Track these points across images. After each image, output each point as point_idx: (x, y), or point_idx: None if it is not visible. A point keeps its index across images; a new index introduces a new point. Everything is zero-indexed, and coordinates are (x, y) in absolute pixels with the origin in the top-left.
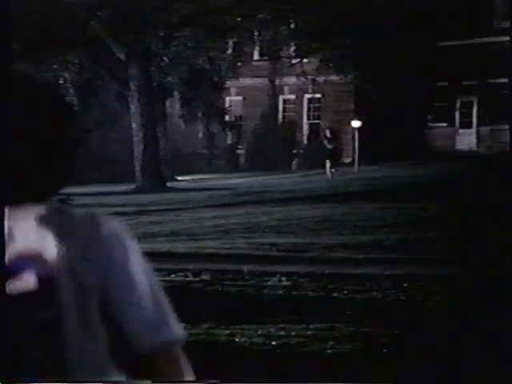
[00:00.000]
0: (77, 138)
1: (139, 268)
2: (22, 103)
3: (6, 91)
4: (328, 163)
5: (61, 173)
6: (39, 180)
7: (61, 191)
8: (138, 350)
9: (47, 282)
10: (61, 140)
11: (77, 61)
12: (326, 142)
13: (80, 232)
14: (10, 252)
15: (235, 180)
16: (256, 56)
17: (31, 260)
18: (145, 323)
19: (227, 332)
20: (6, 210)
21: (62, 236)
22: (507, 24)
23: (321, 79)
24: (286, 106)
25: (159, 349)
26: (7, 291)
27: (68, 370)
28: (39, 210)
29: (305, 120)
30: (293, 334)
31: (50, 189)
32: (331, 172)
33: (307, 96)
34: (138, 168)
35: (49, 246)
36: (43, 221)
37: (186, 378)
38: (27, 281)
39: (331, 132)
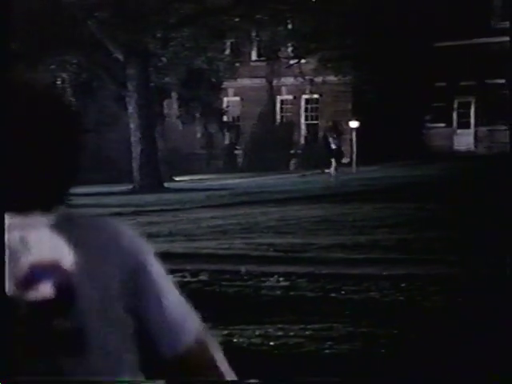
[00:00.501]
0: (81, 144)
1: (161, 273)
2: (25, 110)
3: (9, 100)
4: (333, 162)
5: (67, 180)
6: (46, 188)
7: (67, 197)
8: (167, 354)
9: (65, 290)
10: (66, 147)
11: (75, 61)
12: (331, 140)
13: (98, 240)
14: (26, 262)
15: (233, 180)
16: (254, 56)
17: (48, 269)
18: (174, 325)
19: (225, 332)
20: (16, 219)
21: (77, 244)
22: (505, 24)
23: (318, 80)
24: (284, 106)
25: (188, 351)
26: (25, 301)
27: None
28: (49, 218)
29: (302, 120)
30: (291, 334)
31: (57, 196)
32: (336, 171)
33: (305, 96)
34: (135, 168)
35: (65, 255)
36: (55, 229)
37: (218, 358)
38: (45, 290)
39: (337, 130)
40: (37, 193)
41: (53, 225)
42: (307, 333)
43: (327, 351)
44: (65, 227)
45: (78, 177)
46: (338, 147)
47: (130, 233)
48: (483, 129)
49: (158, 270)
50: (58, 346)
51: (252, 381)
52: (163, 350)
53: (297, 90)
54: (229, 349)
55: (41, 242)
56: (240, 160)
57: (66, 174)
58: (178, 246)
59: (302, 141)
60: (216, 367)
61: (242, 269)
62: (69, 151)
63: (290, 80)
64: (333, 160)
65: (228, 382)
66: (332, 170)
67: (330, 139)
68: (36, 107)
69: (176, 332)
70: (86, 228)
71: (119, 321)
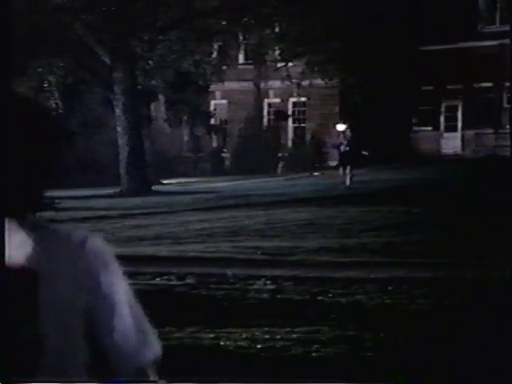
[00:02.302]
0: (53, 149)
1: (122, 290)
2: None
3: None
4: (348, 168)
5: (38, 186)
6: (17, 195)
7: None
8: (121, 371)
9: (27, 297)
10: (37, 152)
11: (62, 64)
12: (342, 141)
13: (63, 249)
14: None
15: (220, 183)
16: (241, 60)
17: (12, 274)
18: (128, 348)
19: (212, 335)
20: None
21: (43, 252)
22: (491, 28)
23: (306, 83)
24: (271, 109)
25: (140, 369)
26: None
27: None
28: (18, 224)
29: (290, 123)
30: (278, 337)
31: (28, 202)
32: (350, 176)
33: (292, 100)
34: (122, 171)
35: (29, 262)
36: (23, 236)
37: None
38: (7, 295)
39: (351, 131)
40: (7, 198)
41: (22, 231)
42: (294, 336)
43: (314, 354)
44: (32, 235)
45: (49, 183)
46: (349, 150)
47: (94, 246)
48: (470, 132)
49: (119, 287)
50: (16, 351)
51: None
52: (116, 368)
53: (284, 93)
54: (216, 352)
55: (9, 247)
56: (227, 163)
57: (37, 179)
58: (165, 249)
59: (290, 144)
60: None
61: (229, 272)
62: (39, 156)
63: (277, 83)
64: (343, 166)
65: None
66: (346, 176)
67: (342, 141)
68: (7, 111)
69: (131, 355)
70: (52, 237)
71: (76, 331)
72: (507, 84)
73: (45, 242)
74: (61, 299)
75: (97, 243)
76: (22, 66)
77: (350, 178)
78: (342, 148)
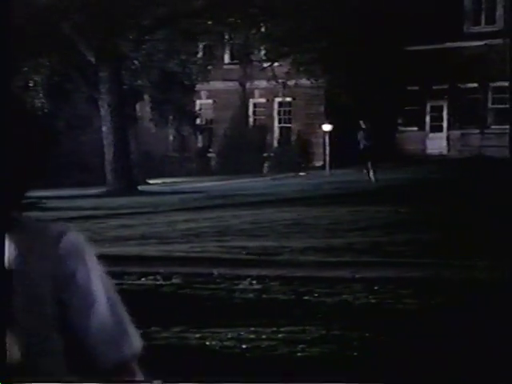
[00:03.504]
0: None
1: (99, 283)
2: None
3: None
4: (369, 164)
5: (23, 183)
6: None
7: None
8: (100, 365)
9: (3, 288)
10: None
11: (47, 63)
12: (361, 134)
13: (39, 244)
14: None
15: (206, 183)
16: (227, 59)
17: None
18: (106, 341)
19: (198, 335)
20: None
21: (20, 246)
22: (477, 29)
23: (291, 83)
24: (257, 109)
25: (120, 363)
26: None
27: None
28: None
29: (276, 123)
30: (263, 337)
31: (12, 200)
32: (373, 172)
33: (278, 100)
34: (108, 171)
35: (8, 255)
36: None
37: None
38: None
39: (367, 124)
40: None
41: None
42: (280, 336)
43: (300, 354)
44: (12, 229)
45: (37, 182)
46: (370, 146)
47: (73, 239)
48: (456, 132)
49: (95, 280)
50: None
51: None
52: (94, 363)
53: (270, 93)
54: (201, 352)
55: None
56: (213, 163)
57: (22, 176)
58: (151, 249)
59: (275, 144)
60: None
61: (215, 272)
62: (26, 155)
63: (262, 83)
64: (365, 162)
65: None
66: (370, 172)
67: (360, 133)
68: None
69: (109, 348)
70: (28, 232)
71: (50, 325)
72: (492, 84)
73: (21, 236)
74: (35, 294)
75: (73, 237)
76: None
77: (374, 174)
78: (362, 144)
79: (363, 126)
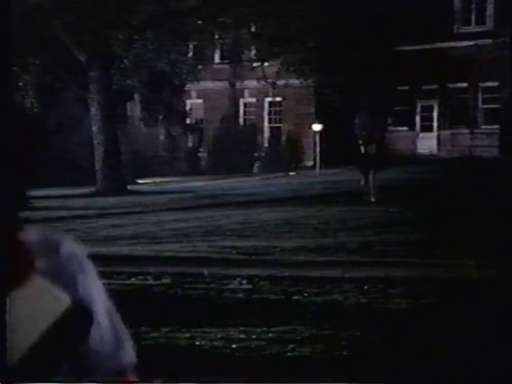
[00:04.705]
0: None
1: (100, 296)
2: None
3: None
4: (371, 174)
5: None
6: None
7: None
8: (97, 371)
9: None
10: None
11: (37, 63)
12: (362, 140)
13: (38, 254)
14: None
15: (196, 183)
16: (217, 59)
17: None
18: (104, 352)
19: (188, 335)
20: None
21: None
22: (467, 29)
23: (281, 83)
24: (247, 109)
25: (116, 373)
26: None
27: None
28: None
29: (266, 123)
30: (253, 337)
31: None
32: (374, 183)
33: (268, 99)
34: (98, 171)
35: None
36: None
37: None
38: None
39: (374, 126)
40: None
41: None
42: (270, 335)
43: (290, 354)
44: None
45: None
46: (373, 154)
47: (70, 248)
48: (446, 132)
49: (95, 290)
50: None
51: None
52: (91, 371)
53: (260, 92)
54: (191, 352)
55: None
56: (203, 163)
57: (20, 179)
58: (141, 249)
59: (266, 144)
60: None
61: (205, 271)
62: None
63: (253, 83)
64: (365, 170)
65: None
66: (363, 180)
67: (361, 140)
68: None
69: (106, 359)
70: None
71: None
72: (482, 84)
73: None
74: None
75: (72, 246)
76: None
77: (374, 187)
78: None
79: (366, 135)
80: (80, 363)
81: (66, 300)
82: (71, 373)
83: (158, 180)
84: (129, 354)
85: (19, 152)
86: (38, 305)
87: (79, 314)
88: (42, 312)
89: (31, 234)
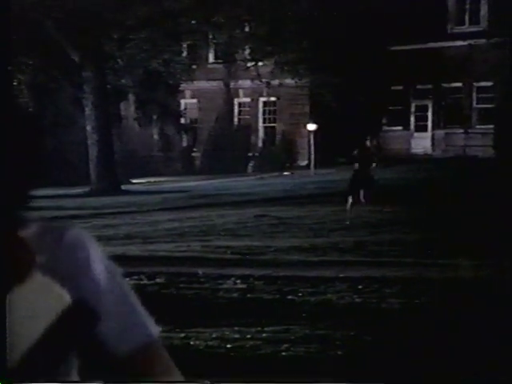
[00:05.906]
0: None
1: (106, 273)
2: None
3: None
4: (361, 194)
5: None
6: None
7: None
8: (117, 355)
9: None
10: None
11: (31, 62)
12: (358, 153)
13: (41, 244)
14: None
15: (190, 183)
16: (211, 59)
17: None
18: (119, 329)
19: (182, 335)
20: None
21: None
22: (460, 29)
23: (276, 82)
24: (242, 109)
25: (137, 351)
26: None
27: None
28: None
29: (260, 123)
30: (248, 336)
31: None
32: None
33: (262, 99)
34: (92, 171)
35: None
36: None
37: (169, 373)
38: None
39: (376, 142)
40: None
41: None
42: (264, 335)
43: (284, 353)
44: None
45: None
46: (366, 177)
47: (74, 234)
48: (440, 132)
49: (102, 271)
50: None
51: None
52: (109, 353)
53: (254, 92)
54: (185, 351)
55: None
56: (197, 162)
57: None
58: (135, 249)
59: (260, 143)
60: (167, 372)
61: (199, 271)
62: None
63: (247, 83)
64: (352, 191)
65: None
66: (349, 205)
67: (357, 152)
68: None
69: (129, 330)
70: (31, 232)
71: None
72: (476, 84)
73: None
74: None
75: (74, 232)
76: None
77: (357, 212)
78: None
79: (369, 145)
80: (96, 339)
81: (66, 298)
82: (84, 360)
83: (152, 180)
84: (148, 329)
85: (21, 150)
86: (38, 303)
87: (80, 313)
88: (42, 310)
89: (33, 229)
